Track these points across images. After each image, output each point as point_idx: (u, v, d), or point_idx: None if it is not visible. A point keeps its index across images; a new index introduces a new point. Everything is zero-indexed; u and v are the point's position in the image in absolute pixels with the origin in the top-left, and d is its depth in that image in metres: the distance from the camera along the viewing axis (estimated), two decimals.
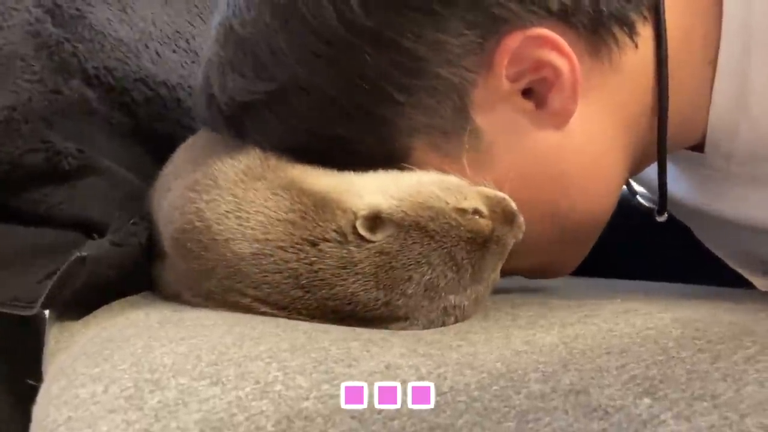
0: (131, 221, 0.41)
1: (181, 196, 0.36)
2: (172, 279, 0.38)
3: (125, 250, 0.40)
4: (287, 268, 0.32)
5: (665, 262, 0.55)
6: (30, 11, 0.45)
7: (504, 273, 0.36)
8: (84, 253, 0.39)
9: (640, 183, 0.50)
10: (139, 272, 0.42)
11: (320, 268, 0.31)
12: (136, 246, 0.41)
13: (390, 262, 0.31)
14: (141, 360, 0.25)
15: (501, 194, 0.35)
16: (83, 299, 0.41)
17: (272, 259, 0.32)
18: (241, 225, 0.33)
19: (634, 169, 0.41)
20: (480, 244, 0.33)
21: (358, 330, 0.30)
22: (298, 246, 0.32)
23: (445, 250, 0.32)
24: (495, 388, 0.20)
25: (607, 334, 0.28)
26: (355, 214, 0.32)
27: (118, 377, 0.24)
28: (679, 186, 0.44)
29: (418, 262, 0.31)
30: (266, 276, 0.32)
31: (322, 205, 0.32)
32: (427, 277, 0.31)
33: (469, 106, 0.34)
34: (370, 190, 0.33)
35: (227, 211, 0.33)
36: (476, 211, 0.33)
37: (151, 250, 0.41)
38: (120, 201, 0.44)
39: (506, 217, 0.34)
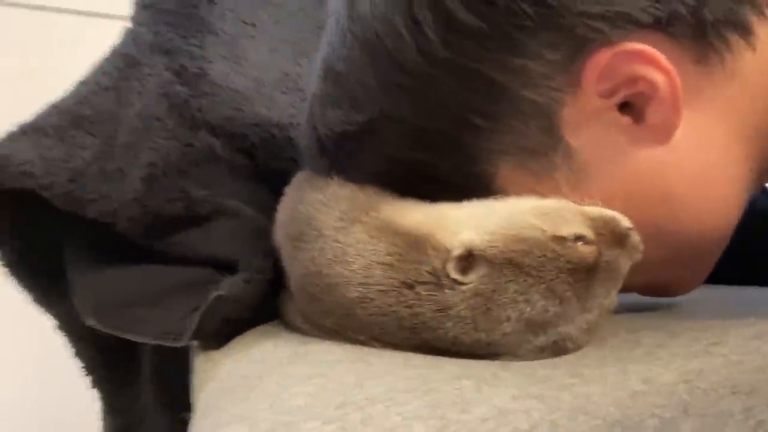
0: (258, 258, 0.45)
1: (294, 247, 0.38)
2: (296, 312, 0.41)
3: (255, 287, 0.44)
4: (390, 311, 0.32)
5: None
6: (161, 75, 0.51)
7: (618, 291, 0.34)
8: (221, 292, 0.43)
9: None
10: (268, 304, 0.46)
11: (420, 312, 0.31)
12: (264, 282, 0.44)
13: (486, 304, 0.30)
14: (276, 401, 0.28)
15: (609, 213, 0.33)
16: (222, 331, 0.45)
17: (376, 303, 0.33)
18: (345, 270, 0.34)
19: (763, 181, 0.38)
20: (584, 272, 0.31)
21: (470, 365, 0.30)
22: (397, 289, 0.32)
23: (544, 285, 0.30)
24: None
25: (735, 368, 0.26)
26: (448, 252, 0.31)
27: (258, 418, 0.26)
28: None
29: (515, 300, 0.30)
30: (373, 318, 0.33)
31: (415, 245, 0.32)
32: (527, 315, 0.30)
33: (558, 126, 0.33)
34: (463, 224, 0.33)
35: (334, 257, 0.35)
36: (578, 237, 0.31)
37: (277, 283, 0.44)
38: (246, 238, 0.49)
39: (616, 239, 0.32)
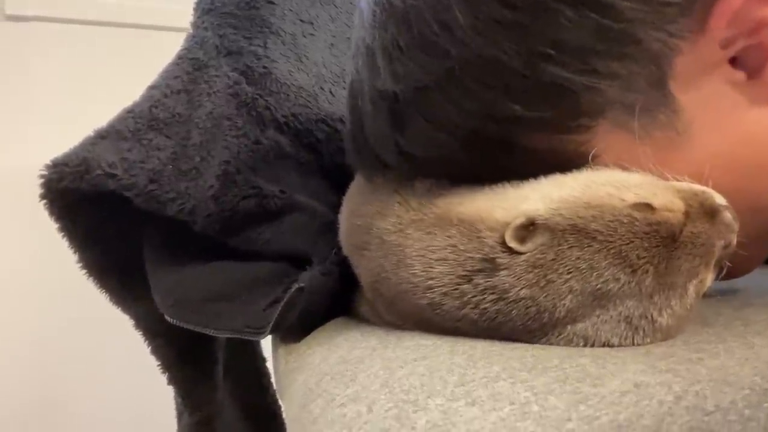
0: (333, 251, 0.46)
1: (360, 255, 0.38)
2: (373, 310, 0.41)
3: (332, 279, 0.45)
4: (461, 315, 0.31)
5: None
6: (228, 76, 0.52)
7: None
8: (302, 284, 0.44)
9: None
10: (343, 297, 0.46)
11: (485, 308, 0.30)
12: (340, 274, 0.45)
13: (545, 276, 0.28)
14: (389, 381, 0.28)
15: (700, 187, 0.30)
16: (301, 324, 0.46)
17: (445, 308, 0.31)
18: (409, 274, 0.32)
19: None
20: (664, 239, 0.28)
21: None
22: (458, 287, 0.30)
23: (614, 250, 0.28)
24: (766, 405, 0.20)
25: None
26: (506, 226, 0.29)
27: (375, 398, 0.27)
28: None
29: (578, 268, 0.28)
30: (449, 323, 0.32)
31: (469, 231, 0.30)
32: (592, 285, 0.27)
33: (668, 78, 0.30)
34: (530, 198, 0.30)
35: (398, 262, 0.33)
36: (666, 208, 0.29)
37: (348, 277, 0.45)
38: (318, 232, 0.49)
39: (706, 213, 0.29)
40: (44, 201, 0.48)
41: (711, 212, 0.30)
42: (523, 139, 0.32)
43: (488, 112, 0.32)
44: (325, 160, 0.53)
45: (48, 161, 0.47)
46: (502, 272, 0.29)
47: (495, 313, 0.30)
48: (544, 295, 0.28)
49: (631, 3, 0.29)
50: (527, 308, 0.29)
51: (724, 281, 0.39)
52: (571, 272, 0.28)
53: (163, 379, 0.55)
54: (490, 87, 0.31)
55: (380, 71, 0.34)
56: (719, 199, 0.31)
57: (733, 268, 0.37)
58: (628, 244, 0.28)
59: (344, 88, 0.56)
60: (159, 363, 0.55)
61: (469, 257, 0.30)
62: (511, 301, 0.29)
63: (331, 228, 0.49)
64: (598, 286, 0.28)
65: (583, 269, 0.28)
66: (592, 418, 0.21)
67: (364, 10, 0.36)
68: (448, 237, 0.31)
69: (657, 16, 0.29)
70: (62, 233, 0.50)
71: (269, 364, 0.60)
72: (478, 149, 0.33)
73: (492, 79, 0.31)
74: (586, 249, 0.28)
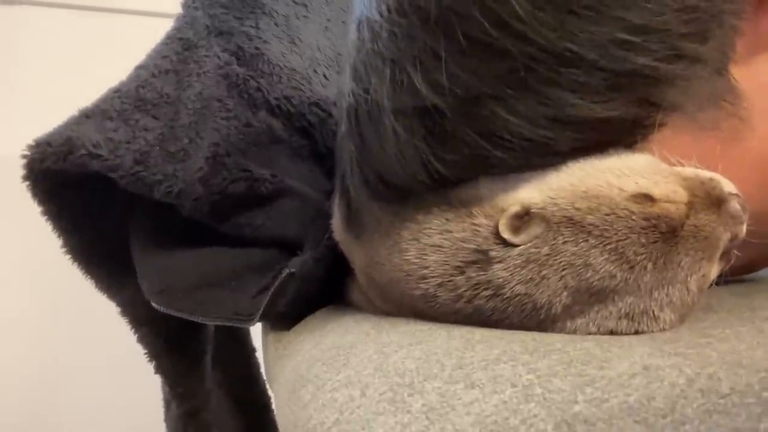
0: (325, 236, 0.45)
1: (355, 235, 0.36)
2: (365, 297, 0.40)
3: (324, 265, 0.44)
4: (456, 308, 0.29)
5: None
6: (219, 56, 0.50)
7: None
8: (293, 270, 0.42)
9: None
10: (335, 284, 0.45)
11: (479, 305, 0.28)
12: (332, 260, 0.44)
13: (540, 271, 0.27)
14: (383, 365, 0.27)
15: (706, 173, 0.28)
16: (292, 310, 0.45)
17: (439, 300, 0.30)
18: (402, 260, 0.31)
19: None
20: (663, 234, 0.26)
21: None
22: (452, 279, 0.29)
23: (610, 246, 0.26)
24: None
25: None
26: (501, 213, 0.28)
27: (369, 382, 0.26)
28: None
29: (572, 264, 0.26)
30: (444, 317, 0.31)
31: (465, 215, 0.29)
32: (588, 281, 0.26)
33: (729, 61, 0.28)
34: (529, 183, 0.28)
35: (392, 245, 0.32)
36: (667, 199, 0.27)
37: (340, 263, 0.44)
38: (310, 218, 0.48)
39: (712, 203, 0.28)
40: (27, 183, 0.46)
41: (718, 202, 0.28)
42: (592, 143, 0.29)
43: (558, 116, 0.28)
44: (318, 144, 0.52)
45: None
46: (496, 266, 0.28)
47: (491, 310, 0.29)
48: (540, 291, 0.27)
49: None
50: (523, 304, 0.28)
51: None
52: (566, 268, 0.27)
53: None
54: (562, 86, 0.27)
55: (412, 86, 0.29)
56: (728, 187, 0.29)
57: (755, 267, 0.36)
58: (624, 239, 0.26)
59: (338, 72, 0.55)
60: (146, 351, 0.54)
61: (463, 246, 0.29)
62: (506, 298, 0.28)
63: (323, 214, 0.47)
64: (594, 282, 0.27)
65: (579, 265, 0.27)
66: (601, 401, 0.20)
67: (365, 23, 0.32)
68: (446, 220, 0.29)
69: None
70: (46, 216, 0.48)
71: (259, 354, 0.59)
72: (539, 157, 0.29)
73: (564, 76, 0.27)
74: (581, 244, 0.27)
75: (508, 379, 0.22)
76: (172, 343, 0.53)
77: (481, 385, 0.22)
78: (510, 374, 0.22)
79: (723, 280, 0.30)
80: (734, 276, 0.35)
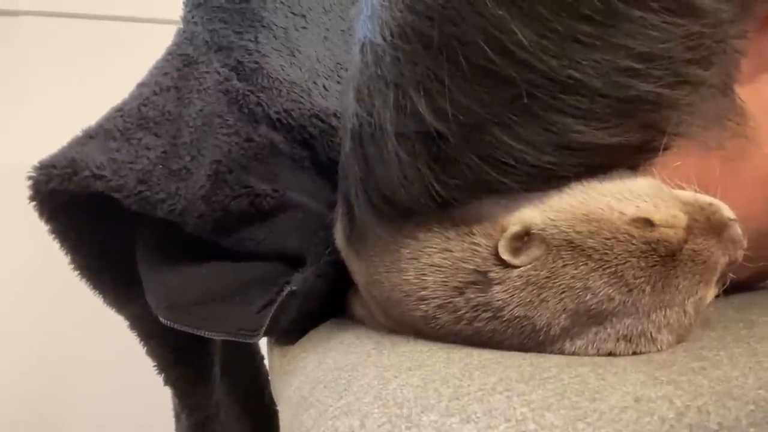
0: (327, 250, 0.45)
1: (356, 252, 0.37)
2: (368, 312, 0.40)
3: (326, 281, 0.44)
4: (456, 330, 0.30)
5: None
6: (219, 72, 0.50)
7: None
8: (294, 288, 0.43)
9: None
10: (338, 298, 0.45)
11: (478, 327, 0.29)
12: (335, 276, 0.44)
13: (539, 294, 0.27)
14: (382, 393, 0.27)
15: (706, 198, 0.29)
16: (295, 326, 0.45)
17: (440, 322, 0.30)
18: (401, 280, 0.31)
19: None
20: (662, 258, 0.27)
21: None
22: (451, 301, 0.29)
23: (609, 270, 0.26)
24: None
25: None
26: (502, 233, 0.28)
27: (368, 411, 0.26)
28: None
29: (572, 287, 0.27)
30: (446, 338, 0.31)
31: (465, 234, 0.29)
32: (587, 305, 0.27)
33: (733, 82, 0.29)
34: (531, 202, 0.28)
35: (391, 263, 0.31)
36: (667, 224, 0.27)
37: (344, 276, 0.44)
38: (313, 231, 0.48)
39: (711, 227, 0.28)
40: (33, 203, 0.47)
41: (718, 227, 0.28)
42: (595, 167, 0.29)
43: (562, 142, 0.28)
44: (320, 155, 0.52)
45: (36, 161, 0.46)
46: (496, 287, 0.28)
47: (491, 332, 0.29)
48: (539, 313, 0.28)
49: (719, 3, 0.27)
50: (522, 326, 0.28)
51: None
52: (565, 291, 0.27)
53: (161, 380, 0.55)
54: (566, 113, 0.27)
55: (415, 111, 0.29)
56: (727, 213, 0.29)
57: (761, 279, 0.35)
58: (624, 263, 0.27)
59: (338, 82, 0.55)
60: (155, 364, 0.55)
61: (463, 267, 0.29)
62: (505, 320, 0.28)
63: (326, 226, 0.48)
64: (593, 305, 0.27)
65: (578, 288, 0.27)
66: None
67: (368, 46, 0.32)
68: (447, 238, 0.29)
69: (718, 18, 0.27)
70: (53, 235, 0.49)
71: (266, 361, 0.60)
72: (543, 182, 0.29)
73: (568, 103, 0.27)
74: (581, 267, 0.27)
75: (502, 412, 0.22)
76: (181, 356, 0.54)
77: (476, 420, 0.22)
78: (505, 407, 0.23)
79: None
80: (735, 292, 0.35)
